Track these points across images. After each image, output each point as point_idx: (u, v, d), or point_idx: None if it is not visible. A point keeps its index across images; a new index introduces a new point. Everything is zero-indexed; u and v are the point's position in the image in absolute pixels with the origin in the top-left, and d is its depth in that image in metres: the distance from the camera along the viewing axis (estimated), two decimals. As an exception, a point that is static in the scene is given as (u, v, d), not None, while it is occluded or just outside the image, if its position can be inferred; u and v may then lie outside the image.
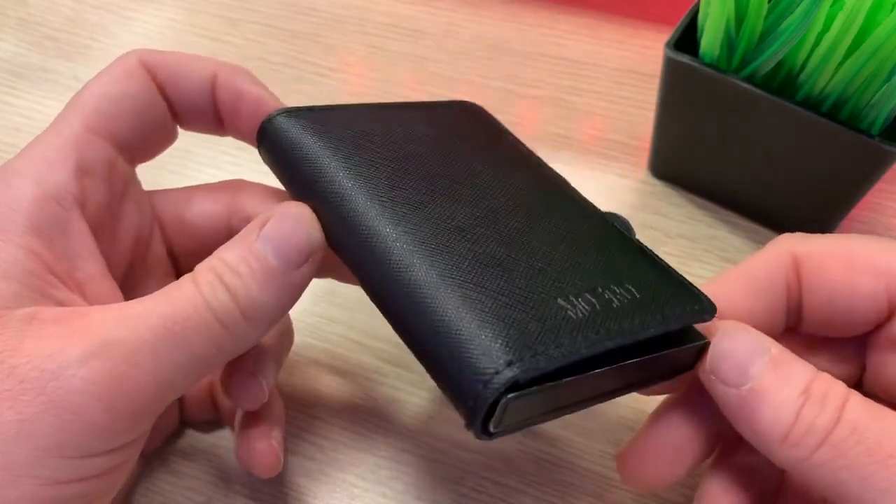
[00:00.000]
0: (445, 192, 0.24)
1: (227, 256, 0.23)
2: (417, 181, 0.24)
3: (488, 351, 0.19)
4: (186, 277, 0.23)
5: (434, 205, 0.23)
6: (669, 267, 0.25)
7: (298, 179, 0.25)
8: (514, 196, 0.25)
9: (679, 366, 0.24)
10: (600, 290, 0.22)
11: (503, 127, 0.31)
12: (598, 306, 0.21)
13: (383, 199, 0.23)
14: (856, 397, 0.21)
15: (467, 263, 0.21)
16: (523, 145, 0.30)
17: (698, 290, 0.24)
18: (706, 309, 0.23)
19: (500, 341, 0.19)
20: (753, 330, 0.23)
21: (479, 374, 0.19)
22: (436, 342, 0.20)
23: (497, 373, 0.19)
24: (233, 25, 0.48)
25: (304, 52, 0.47)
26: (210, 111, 0.27)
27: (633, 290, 0.22)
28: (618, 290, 0.22)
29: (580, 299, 0.21)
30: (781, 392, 0.21)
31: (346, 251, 0.23)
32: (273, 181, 0.29)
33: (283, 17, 0.48)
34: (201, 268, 0.23)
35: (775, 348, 0.22)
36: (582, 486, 0.31)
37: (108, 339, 0.21)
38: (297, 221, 0.23)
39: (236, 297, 0.22)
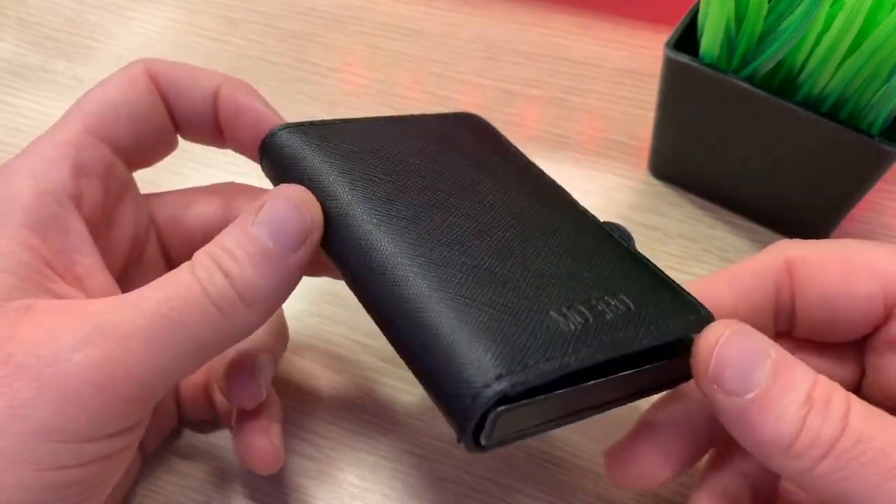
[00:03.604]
0: (442, 206, 0.24)
1: (225, 241, 0.23)
2: (415, 194, 0.24)
3: (478, 364, 0.19)
4: (184, 265, 0.23)
5: (430, 218, 0.23)
6: (667, 277, 0.25)
7: None
8: (512, 209, 0.25)
9: (677, 376, 0.23)
10: (594, 301, 0.22)
11: (504, 139, 0.31)
12: (590, 318, 0.21)
13: (380, 212, 0.23)
14: (858, 404, 0.20)
15: (461, 276, 0.22)
16: (523, 157, 0.30)
17: (695, 301, 0.24)
18: (703, 319, 0.23)
19: (489, 354, 0.19)
20: (752, 330, 0.22)
21: (469, 387, 0.19)
22: (427, 355, 0.20)
23: (486, 386, 0.19)
24: (233, 25, 0.48)
25: (304, 52, 0.47)
26: (211, 123, 0.28)
27: (627, 301, 0.22)
28: (612, 302, 0.22)
29: (573, 311, 0.21)
30: (784, 400, 0.20)
31: (344, 263, 0.24)
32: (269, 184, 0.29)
33: (283, 17, 0.48)
34: (199, 254, 0.23)
35: (775, 351, 0.21)
36: (582, 486, 0.31)
37: (101, 324, 0.21)
38: (292, 203, 0.23)
39: (233, 281, 0.22)
